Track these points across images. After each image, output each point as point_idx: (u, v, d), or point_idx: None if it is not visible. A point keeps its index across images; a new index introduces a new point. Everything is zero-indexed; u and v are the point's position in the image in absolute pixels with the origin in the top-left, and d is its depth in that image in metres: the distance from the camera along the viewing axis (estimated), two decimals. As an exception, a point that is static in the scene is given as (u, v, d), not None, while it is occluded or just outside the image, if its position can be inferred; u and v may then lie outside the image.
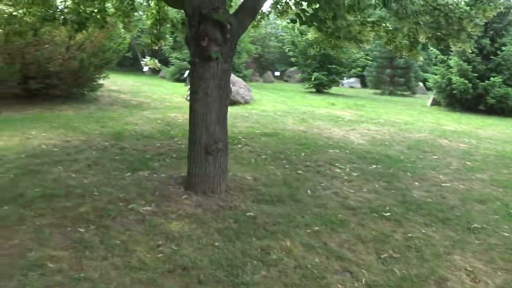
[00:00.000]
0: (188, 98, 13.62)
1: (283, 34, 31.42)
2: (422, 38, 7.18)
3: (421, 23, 5.27)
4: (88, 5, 6.95)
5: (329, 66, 21.32)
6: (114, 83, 16.71)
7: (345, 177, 5.89)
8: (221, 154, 4.78)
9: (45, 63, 10.77)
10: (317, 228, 4.10)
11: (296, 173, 5.97)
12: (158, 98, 13.84)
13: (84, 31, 10.00)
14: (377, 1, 7.35)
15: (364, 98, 20.65)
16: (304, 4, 5.10)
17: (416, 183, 5.81)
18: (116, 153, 6.53)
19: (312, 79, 21.08)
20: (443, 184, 5.82)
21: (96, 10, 7.10)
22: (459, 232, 4.21)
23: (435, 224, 4.36)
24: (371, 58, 24.57)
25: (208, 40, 4.44)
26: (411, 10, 5.23)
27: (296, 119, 10.71)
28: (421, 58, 7.90)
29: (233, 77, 14.74)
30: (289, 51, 23.32)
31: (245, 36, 23.39)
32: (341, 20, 4.74)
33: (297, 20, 4.55)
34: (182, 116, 10.10)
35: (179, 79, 23.59)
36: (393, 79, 25.54)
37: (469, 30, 6.69)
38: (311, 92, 22.02)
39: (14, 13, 6.90)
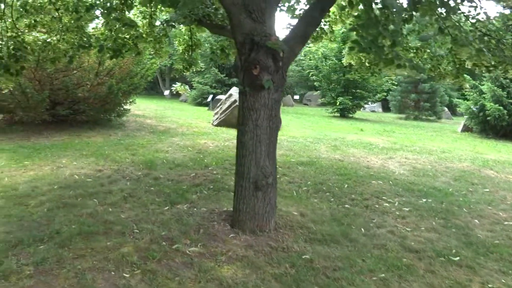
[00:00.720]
0: (215, 123, 13.47)
1: (301, 58, 31.39)
2: (467, 65, 6.84)
3: (485, 50, 4.91)
4: (124, 32, 6.84)
5: (354, 90, 21.01)
6: (138, 107, 16.68)
7: (397, 213, 5.47)
8: (270, 190, 4.43)
9: (74, 89, 10.71)
10: (383, 275, 3.69)
11: (343, 208, 5.57)
12: (184, 123, 13.66)
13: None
14: (420, 28, 7.07)
15: (391, 124, 20.19)
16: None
17: (476, 221, 5.34)
18: (151, 183, 6.24)
19: (337, 103, 20.77)
20: (506, 223, 5.34)
21: (128, 36, 6.99)
22: (543, 281, 3.74)
23: (514, 272, 3.90)
24: (395, 83, 24.17)
25: (260, 69, 4.17)
26: (472, 37, 4.89)
27: (329, 146, 10.34)
28: (467, 85, 7.54)
29: (259, 102, 14.52)
30: (312, 75, 23.13)
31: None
32: (399, 47, 4.44)
33: (356, 47, 4.27)
34: (212, 143, 9.84)
35: (202, 103, 23.58)
36: (418, 103, 25.05)
37: (523, 56, 6.32)
38: (335, 116, 21.67)
39: (48, 40, 6.81)
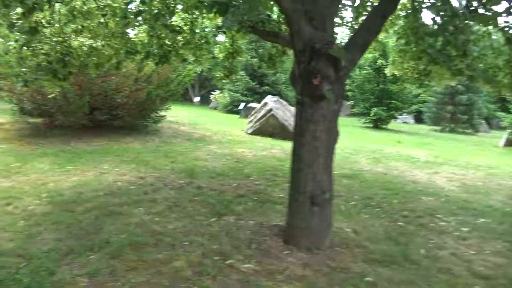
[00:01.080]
0: (249, 131, 13.33)
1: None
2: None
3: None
4: (171, 38, 6.81)
5: (388, 101, 20.52)
6: (170, 113, 16.72)
7: (456, 233, 5.13)
8: (327, 206, 4.21)
9: (112, 95, 10.78)
10: (456, 304, 3.40)
11: (396, 225, 5.28)
12: (218, 131, 13.58)
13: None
14: (476, 38, 6.72)
15: (427, 136, 19.59)
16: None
17: (545, 245, 4.94)
18: (194, 193, 6.11)
19: (371, 114, 20.31)
20: None
21: (169, 43, 6.95)
22: None
23: None
24: (431, 94, 23.51)
25: (321, 78, 3.97)
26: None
27: (369, 159, 10.03)
28: (525, 98, 7.13)
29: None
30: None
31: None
32: (470, 57, 4.17)
33: (422, 57, 4.03)
34: (249, 152, 9.69)
35: (232, 111, 23.53)
36: (454, 115, 24.25)
37: None
38: (368, 127, 21.20)
39: (94, 45, 6.82)
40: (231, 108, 24.05)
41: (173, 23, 7.03)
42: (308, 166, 4.10)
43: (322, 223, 4.18)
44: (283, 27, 6.38)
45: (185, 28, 7.64)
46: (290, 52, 7.27)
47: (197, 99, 34.25)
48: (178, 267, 3.70)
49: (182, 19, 7.94)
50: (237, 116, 21.14)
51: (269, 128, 12.80)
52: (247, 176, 7.33)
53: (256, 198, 6.02)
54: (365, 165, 9.14)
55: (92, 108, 11.04)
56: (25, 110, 10.88)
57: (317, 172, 4.11)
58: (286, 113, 13.15)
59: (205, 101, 33.74)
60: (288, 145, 11.06)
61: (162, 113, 12.69)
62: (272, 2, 5.88)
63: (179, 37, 6.86)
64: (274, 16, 6.56)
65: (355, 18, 8.15)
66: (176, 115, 18.07)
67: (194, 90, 38.00)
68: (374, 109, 20.17)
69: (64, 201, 5.40)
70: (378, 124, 21.07)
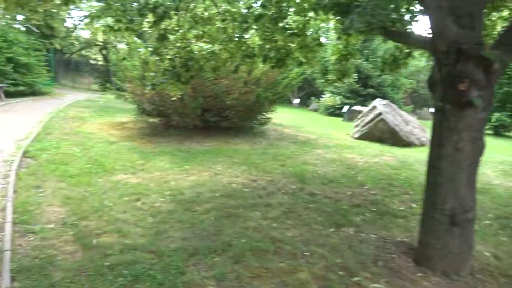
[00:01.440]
0: (355, 135, 12.81)
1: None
2: None
3: None
4: (288, 41, 6.74)
5: (513, 105, 18.25)
6: (273, 115, 16.84)
7: None
8: (469, 226, 3.74)
9: (223, 97, 11.11)
10: None
11: (546, 254, 4.54)
12: (322, 134, 13.28)
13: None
14: None
15: (562, 146, 17.03)
16: None
17: None
18: (308, 200, 5.95)
19: (492, 120, 18.25)
20: None
21: (284, 46, 6.87)
22: None
23: None
24: None
25: (469, 83, 3.52)
26: None
27: (497, 171, 8.95)
28: None
29: (406, 115, 13.46)
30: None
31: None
32: None
33: None
34: (360, 158, 9.25)
35: (334, 114, 22.97)
36: None
37: None
38: (487, 134, 19.08)
39: (212, 50, 7.02)
40: (333, 111, 23.47)
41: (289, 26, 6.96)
42: (448, 181, 3.68)
43: (462, 246, 3.72)
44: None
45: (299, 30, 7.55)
46: (415, 54, 6.75)
47: (296, 101, 34.21)
48: (303, 279, 3.56)
49: (294, 21, 7.85)
50: (340, 119, 20.56)
51: (377, 133, 12.16)
52: (361, 184, 6.96)
53: (374, 209, 5.65)
54: (494, 178, 8.15)
55: (204, 109, 11.52)
56: (145, 111, 11.76)
57: (459, 188, 3.67)
58: (397, 118, 12.37)
59: (303, 103, 33.56)
60: (400, 152, 10.41)
61: (268, 115, 12.79)
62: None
63: (294, 40, 6.75)
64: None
65: (487, 14, 7.30)
66: (279, 116, 18.19)
67: (293, 92, 38.04)
68: (496, 114, 18.06)
69: (185, 200, 5.61)
70: (500, 131, 18.84)
